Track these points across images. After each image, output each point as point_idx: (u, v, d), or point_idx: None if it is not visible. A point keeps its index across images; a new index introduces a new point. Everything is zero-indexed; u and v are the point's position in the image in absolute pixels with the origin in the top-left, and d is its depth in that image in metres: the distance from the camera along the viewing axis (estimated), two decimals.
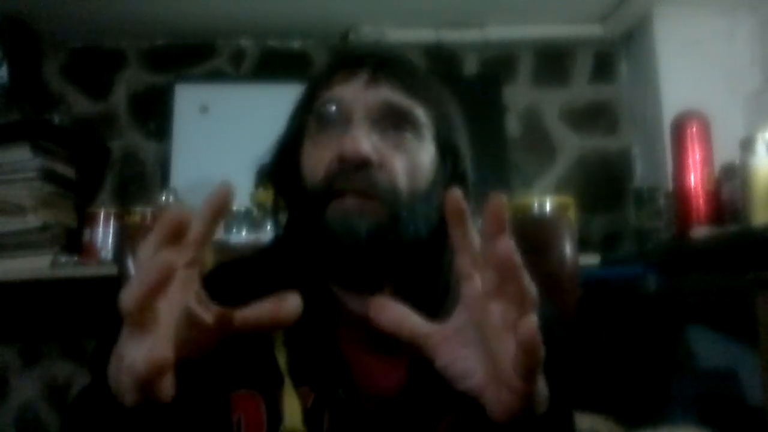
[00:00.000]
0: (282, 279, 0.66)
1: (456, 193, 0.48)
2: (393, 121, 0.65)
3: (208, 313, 0.48)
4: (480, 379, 0.48)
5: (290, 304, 0.48)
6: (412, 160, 0.66)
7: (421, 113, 0.67)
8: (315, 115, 0.67)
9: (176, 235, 0.44)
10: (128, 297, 0.42)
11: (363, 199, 0.62)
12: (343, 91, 0.66)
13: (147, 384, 0.43)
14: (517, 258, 0.44)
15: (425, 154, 0.67)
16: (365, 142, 0.63)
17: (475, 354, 0.48)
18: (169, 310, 0.44)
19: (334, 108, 0.66)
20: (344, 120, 0.65)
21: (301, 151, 0.69)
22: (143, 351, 0.42)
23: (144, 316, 0.42)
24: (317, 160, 0.66)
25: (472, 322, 0.48)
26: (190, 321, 0.46)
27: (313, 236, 0.64)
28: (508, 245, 0.44)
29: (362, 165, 0.62)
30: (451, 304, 0.51)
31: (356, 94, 0.66)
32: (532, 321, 0.43)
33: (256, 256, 0.75)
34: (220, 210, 0.46)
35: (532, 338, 0.43)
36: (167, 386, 0.44)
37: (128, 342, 0.43)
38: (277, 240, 0.76)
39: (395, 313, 0.50)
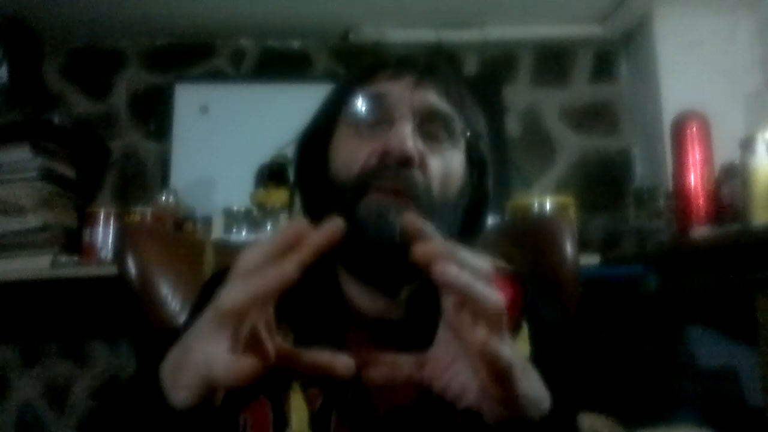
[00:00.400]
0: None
1: (409, 216, 0.48)
2: (434, 126, 0.66)
3: (270, 343, 0.47)
4: (476, 392, 0.48)
5: (344, 365, 0.47)
6: (447, 167, 0.66)
7: (459, 122, 0.67)
8: (356, 106, 0.67)
9: (293, 247, 0.44)
10: (236, 296, 0.42)
11: (400, 197, 0.62)
12: (389, 87, 0.67)
13: (214, 389, 0.43)
14: (460, 278, 0.44)
15: (458, 162, 0.68)
16: (411, 140, 0.63)
17: (465, 367, 0.48)
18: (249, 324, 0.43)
19: (379, 102, 0.66)
20: (387, 116, 0.65)
21: (332, 141, 0.68)
22: (221, 353, 0.42)
23: (240, 320, 0.42)
24: (355, 151, 0.65)
25: (454, 337, 0.48)
26: (253, 343, 0.45)
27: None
28: (441, 271, 0.44)
29: (405, 163, 0.62)
30: None
31: (403, 93, 0.66)
32: (481, 332, 0.44)
33: None
34: (330, 244, 0.45)
35: (483, 348, 0.44)
36: (222, 394, 0.45)
37: (206, 338, 0.43)
38: None
39: (384, 366, 0.50)
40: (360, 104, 0.67)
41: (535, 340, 0.67)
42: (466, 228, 0.70)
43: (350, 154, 0.66)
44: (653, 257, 1.73)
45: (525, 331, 0.67)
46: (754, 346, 1.32)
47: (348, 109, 0.68)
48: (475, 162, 0.70)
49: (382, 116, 0.65)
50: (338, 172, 0.66)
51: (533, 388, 0.49)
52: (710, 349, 1.81)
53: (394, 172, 0.62)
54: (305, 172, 0.72)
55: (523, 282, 0.72)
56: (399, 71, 0.68)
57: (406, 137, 0.62)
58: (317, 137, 0.71)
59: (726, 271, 1.47)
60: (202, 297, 0.73)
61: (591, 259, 1.61)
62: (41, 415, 1.88)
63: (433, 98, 0.66)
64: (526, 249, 0.96)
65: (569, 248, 0.97)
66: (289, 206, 0.75)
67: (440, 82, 0.68)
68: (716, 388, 1.69)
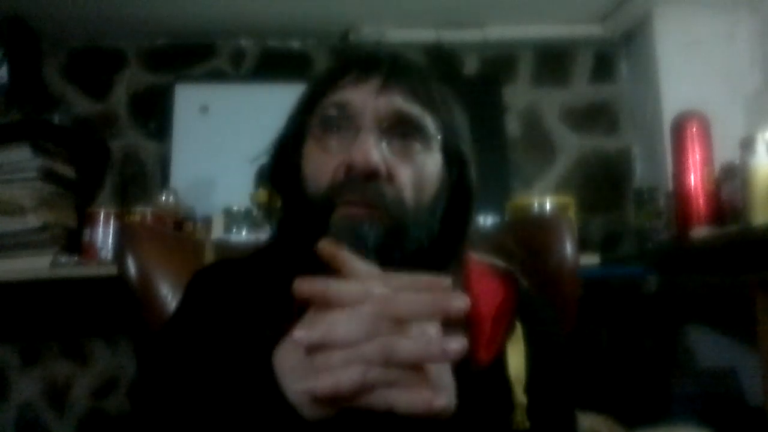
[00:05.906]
0: (279, 276, 0.66)
1: (323, 244, 0.51)
2: (402, 130, 0.64)
3: None
4: None
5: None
6: (419, 172, 0.64)
7: (430, 122, 0.65)
8: (321, 117, 0.66)
9: None
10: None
11: (370, 209, 0.61)
12: (352, 95, 0.65)
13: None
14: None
15: (432, 164, 0.66)
16: (375, 152, 0.61)
17: None
18: None
19: (342, 112, 0.64)
20: (353, 125, 0.63)
21: (303, 151, 0.67)
22: None
23: None
24: (322, 165, 0.64)
25: None
26: None
27: (315, 242, 0.62)
28: None
29: (371, 176, 0.61)
30: None
31: (367, 100, 0.64)
32: None
33: (254, 254, 0.75)
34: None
35: None
36: None
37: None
38: (275, 239, 0.74)
39: None
40: (324, 116, 0.65)
41: (530, 339, 0.67)
42: (450, 226, 0.68)
43: (318, 168, 0.64)
44: (653, 257, 1.73)
45: (519, 330, 0.67)
46: (754, 346, 1.32)
47: (313, 120, 0.66)
48: (453, 159, 0.68)
49: (348, 124, 0.64)
50: (308, 186, 0.65)
51: None
52: (710, 349, 1.81)
53: (361, 186, 0.61)
54: (280, 181, 0.71)
55: (516, 280, 0.72)
56: (363, 75, 0.65)
57: (370, 149, 0.61)
58: (288, 146, 0.69)
59: (726, 271, 1.47)
60: (189, 294, 0.73)
61: (591, 259, 1.60)
62: (41, 415, 1.88)
63: (399, 102, 0.64)
64: (526, 249, 0.96)
65: (569, 248, 0.97)
66: (268, 210, 0.74)
67: (407, 83, 0.65)
68: (716, 388, 1.69)
